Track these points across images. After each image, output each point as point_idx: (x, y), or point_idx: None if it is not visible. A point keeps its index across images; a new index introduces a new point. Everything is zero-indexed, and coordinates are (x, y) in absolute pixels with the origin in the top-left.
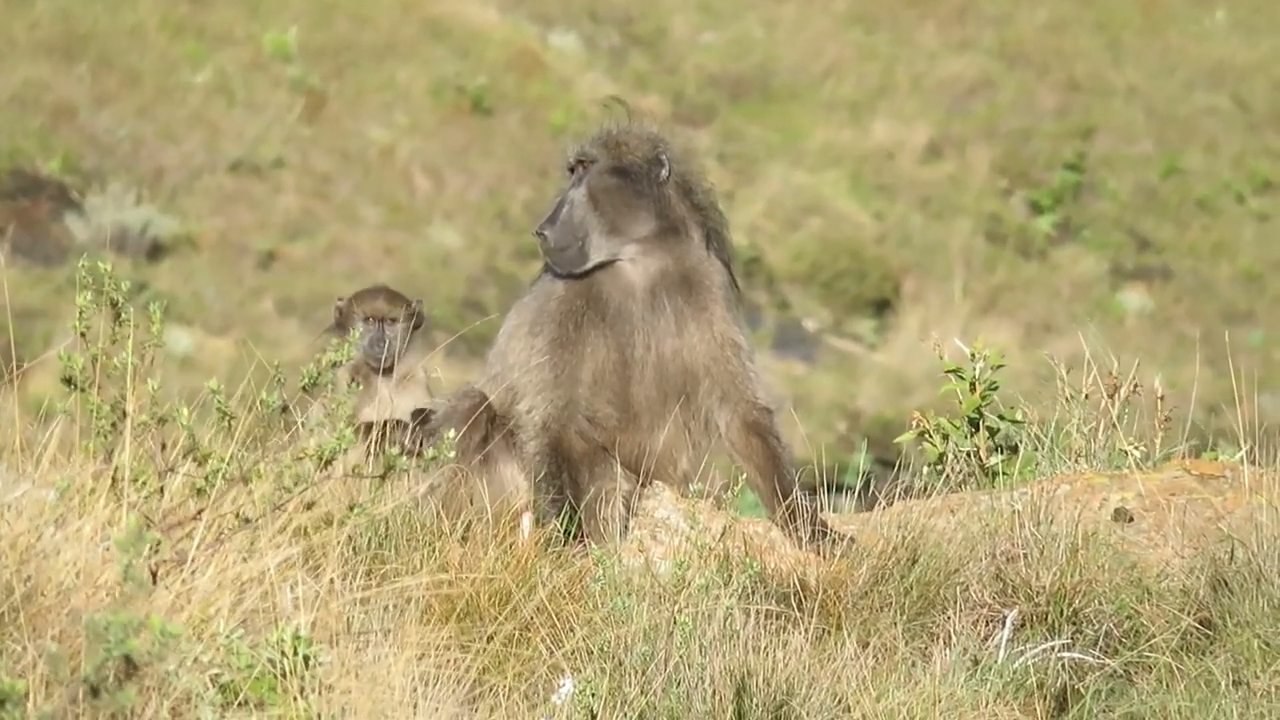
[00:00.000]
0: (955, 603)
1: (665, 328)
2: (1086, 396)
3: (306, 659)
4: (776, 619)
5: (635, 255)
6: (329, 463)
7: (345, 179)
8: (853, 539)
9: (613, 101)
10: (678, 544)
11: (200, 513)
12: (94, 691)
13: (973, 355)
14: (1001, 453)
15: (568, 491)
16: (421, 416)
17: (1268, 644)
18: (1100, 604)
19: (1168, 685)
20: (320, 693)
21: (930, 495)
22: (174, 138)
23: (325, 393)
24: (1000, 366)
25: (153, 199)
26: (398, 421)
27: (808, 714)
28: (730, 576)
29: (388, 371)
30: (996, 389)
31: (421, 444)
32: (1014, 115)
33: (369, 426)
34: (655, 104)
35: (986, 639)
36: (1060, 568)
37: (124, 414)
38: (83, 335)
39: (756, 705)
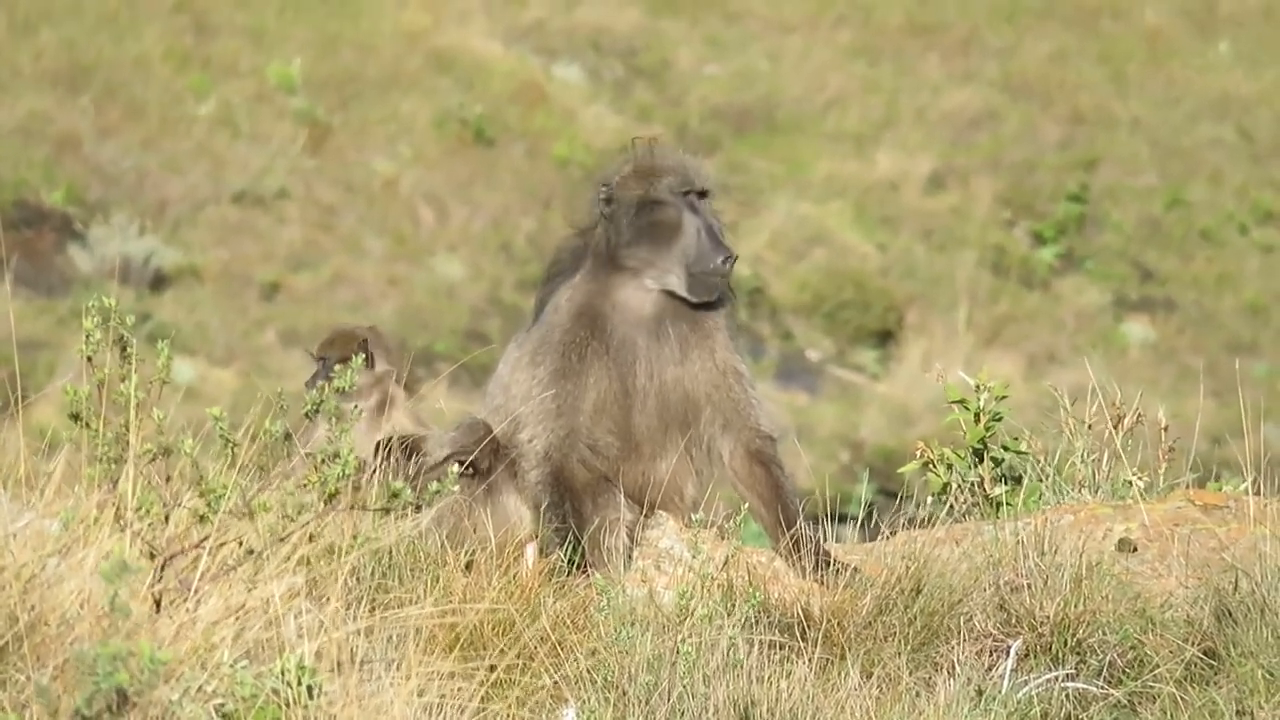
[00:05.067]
0: (959, 633)
1: (669, 355)
2: (1090, 427)
3: (310, 688)
4: (780, 649)
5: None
6: (334, 496)
7: (349, 210)
8: (856, 569)
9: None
10: (681, 574)
11: (204, 541)
12: None
13: (977, 386)
14: (1005, 483)
15: (570, 521)
16: (409, 444)
17: (1272, 674)
18: (1104, 634)
19: (1172, 716)
20: None
21: (934, 525)
22: (178, 169)
23: (328, 420)
24: (1004, 398)
25: (156, 230)
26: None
27: None
28: (734, 606)
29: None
30: (1001, 420)
31: (419, 474)
32: (1017, 147)
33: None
34: (659, 136)
35: (990, 669)
36: (1064, 598)
37: (128, 444)
38: (89, 360)
39: None
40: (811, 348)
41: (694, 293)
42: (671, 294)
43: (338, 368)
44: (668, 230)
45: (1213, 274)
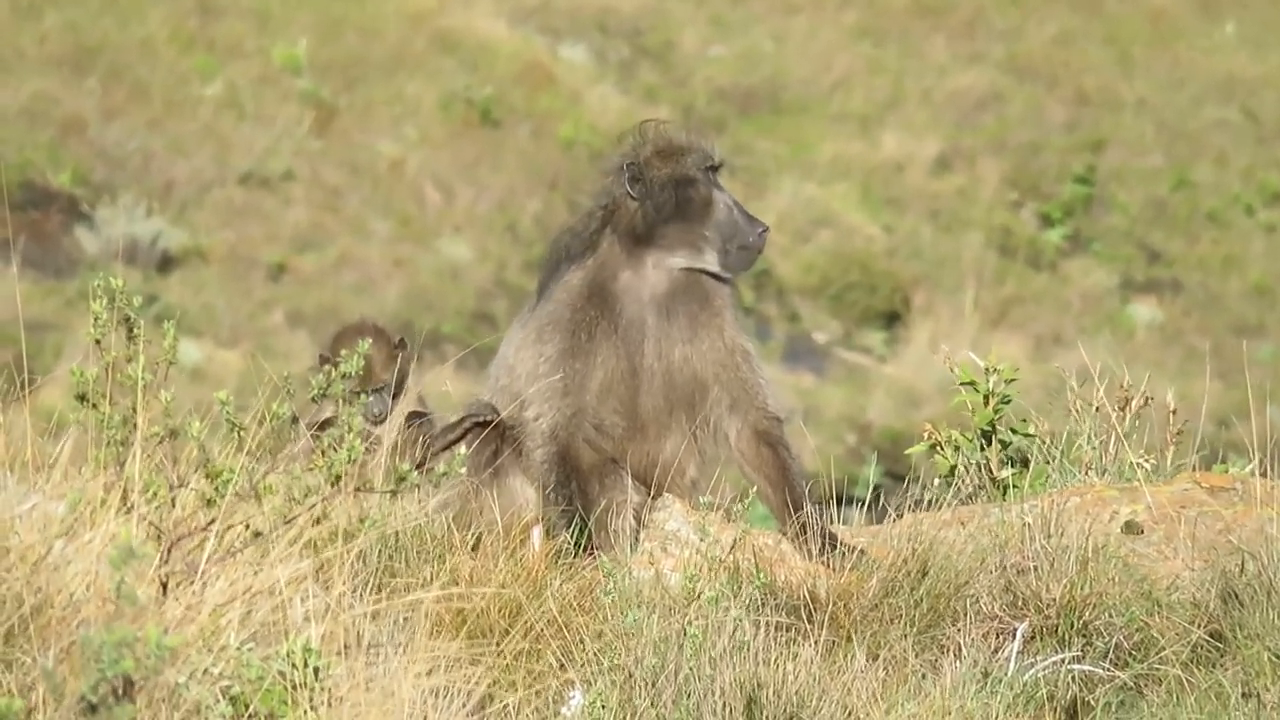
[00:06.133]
0: (965, 615)
1: (678, 334)
2: (1097, 409)
3: (317, 671)
4: (786, 631)
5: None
6: (340, 479)
7: (355, 192)
8: (863, 551)
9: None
10: (688, 556)
11: (210, 524)
12: (92, 709)
13: (986, 369)
14: (1012, 465)
15: (577, 503)
16: (417, 420)
17: (1278, 656)
18: (1110, 616)
19: (1178, 698)
20: (330, 705)
21: (940, 508)
22: (184, 150)
23: (334, 404)
24: (1013, 380)
25: (163, 211)
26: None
27: None
28: (740, 589)
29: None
30: (1009, 402)
31: (429, 456)
32: (1023, 128)
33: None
34: (665, 117)
35: (997, 651)
36: (1070, 580)
37: (135, 426)
38: (97, 343)
39: (767, 718)
40: (818, 329)
41: (729, 268)
42: (686, 271)
43: (343, 353)
44: (700, 207)
45: (1219, 255)
